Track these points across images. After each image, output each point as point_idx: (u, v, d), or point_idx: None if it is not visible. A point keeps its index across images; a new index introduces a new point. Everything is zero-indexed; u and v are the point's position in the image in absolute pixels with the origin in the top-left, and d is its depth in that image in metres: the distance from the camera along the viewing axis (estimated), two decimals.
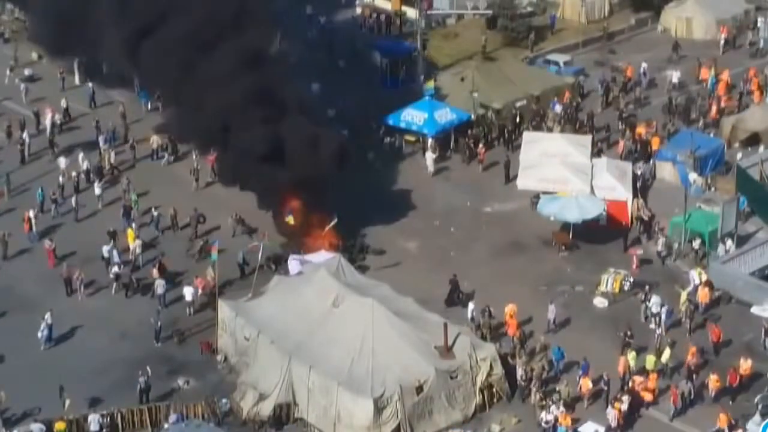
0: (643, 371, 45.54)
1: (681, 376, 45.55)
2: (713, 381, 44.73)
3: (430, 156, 61.72)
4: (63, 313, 48.88)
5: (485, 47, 74.33)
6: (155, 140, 61.47)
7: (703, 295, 50.06)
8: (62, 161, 59.87)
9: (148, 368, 44.95)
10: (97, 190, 57.31)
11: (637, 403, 44.24)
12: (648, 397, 44.54)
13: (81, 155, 60.15)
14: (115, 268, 51.00)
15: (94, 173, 59.05)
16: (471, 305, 49.11)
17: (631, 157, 61.75)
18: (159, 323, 47.84)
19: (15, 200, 57.58)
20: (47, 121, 63.27)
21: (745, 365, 45.32)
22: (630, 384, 44.87)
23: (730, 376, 44.90)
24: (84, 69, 68.08)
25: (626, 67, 71.81)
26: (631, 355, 46.05)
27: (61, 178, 58.30)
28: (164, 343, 47.73)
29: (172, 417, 43.04)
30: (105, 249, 52.25)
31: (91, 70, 67.19)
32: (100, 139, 61.82)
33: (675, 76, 70.44)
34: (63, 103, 65.09)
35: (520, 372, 45.21)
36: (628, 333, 46.97)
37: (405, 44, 73.28)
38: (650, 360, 46.04)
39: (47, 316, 47.58)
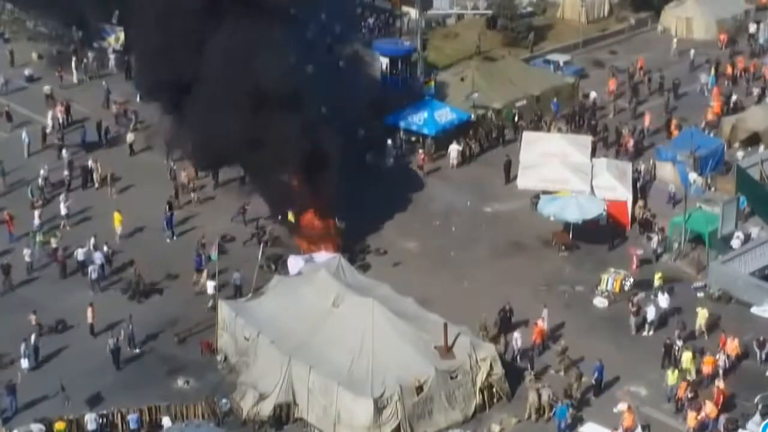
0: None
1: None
2: (691, 418, 42.88)
3: (455, 148, 61.68)
4: (62, 312, 48.75)
5: (479, 47, 74.43)
6: (131, 137, 61.26)
7: (733, 350, 46.89)
8: (42, 171, 57.92)
9: (121, 330, 45.92)
10: (63, 210, 54.79)
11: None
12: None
13: (65, 154, 59.41)
14: (96, 267, 50.34)
15: (84, 174, 58.36)
16: (516, 335, 47.20)
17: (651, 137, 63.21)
18: (116, 341, 46.08)
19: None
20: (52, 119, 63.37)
21: (723, 387, 44.32)
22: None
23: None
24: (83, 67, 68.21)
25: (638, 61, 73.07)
26: (674, 374, 45.01)
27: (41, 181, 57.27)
28: (163, 343, 47.66)
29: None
30: (80, 252, 51.37)
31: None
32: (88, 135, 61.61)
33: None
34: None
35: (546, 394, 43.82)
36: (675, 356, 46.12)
37: (405, 44, 73.33)
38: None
39: (33, 337, 46.09)
